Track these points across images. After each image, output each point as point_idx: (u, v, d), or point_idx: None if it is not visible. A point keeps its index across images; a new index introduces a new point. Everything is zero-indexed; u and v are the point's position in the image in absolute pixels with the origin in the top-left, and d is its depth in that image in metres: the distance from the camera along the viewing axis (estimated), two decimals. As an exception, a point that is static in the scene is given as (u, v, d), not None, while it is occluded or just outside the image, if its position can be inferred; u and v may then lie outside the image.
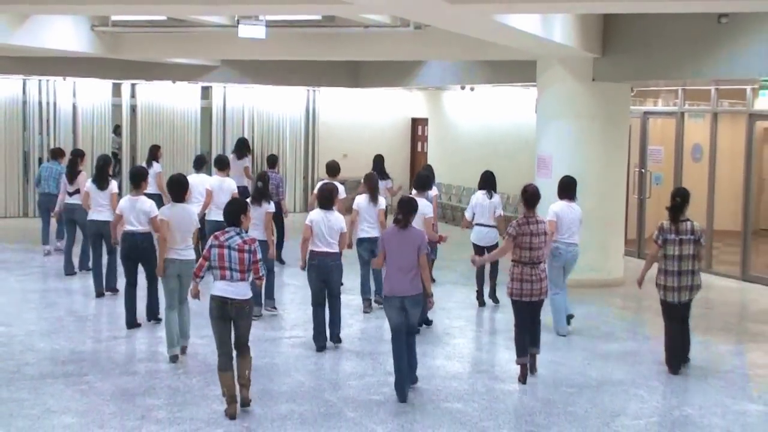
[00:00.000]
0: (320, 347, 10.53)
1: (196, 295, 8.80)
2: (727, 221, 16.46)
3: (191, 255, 10.08)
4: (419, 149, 24.52)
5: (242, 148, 17.62)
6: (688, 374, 9.98)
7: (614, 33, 14.01)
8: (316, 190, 11.64)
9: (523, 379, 9.49)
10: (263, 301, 11.97)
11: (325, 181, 12.47)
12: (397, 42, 15.95)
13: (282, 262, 15.68)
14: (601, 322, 12.29)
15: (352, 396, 8.92)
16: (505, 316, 12.48)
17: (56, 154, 16.65)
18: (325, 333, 10.65)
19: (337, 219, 10.50)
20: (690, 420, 8.54)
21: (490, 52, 15.20)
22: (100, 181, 13.01)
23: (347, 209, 12.16)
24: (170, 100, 22.06)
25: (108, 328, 11.38)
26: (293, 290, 13.75)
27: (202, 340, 10.50)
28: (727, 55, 12.60)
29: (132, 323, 11.30)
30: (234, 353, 8.34)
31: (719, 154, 16.07)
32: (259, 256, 8.31)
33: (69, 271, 14.55)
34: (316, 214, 10.49)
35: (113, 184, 13.11)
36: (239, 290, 8.25)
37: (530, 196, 9.63)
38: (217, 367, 8.32)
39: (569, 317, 11.72)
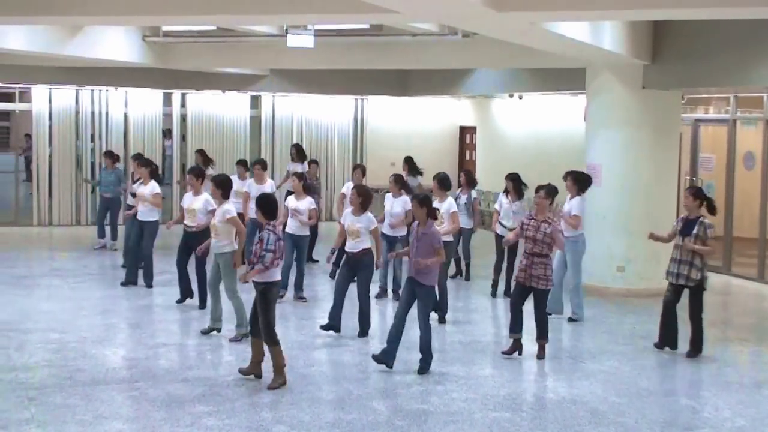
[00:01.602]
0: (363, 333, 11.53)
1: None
2: (781, 230, 16.23)
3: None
4: (467, 157, 24.48)
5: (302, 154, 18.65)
6: (741, 384, 9.85)
7: (664, 39, 13.89)
8: (348, 194, 12.64)
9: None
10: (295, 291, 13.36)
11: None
12: (445, 50, 15.96)
13: (314, 261, 16.45)
14: (652, 331, 12.15)
15: (400, 405, 8.92)
16: (554, 326, 12.41)
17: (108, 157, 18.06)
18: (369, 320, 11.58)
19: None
20: (743, 432, 8.43)
21: (538, 60, 15.15)
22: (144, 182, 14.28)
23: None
24: (220, 110, 22.24)
25: (159, 335, 11.48)
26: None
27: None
28: (780, 62, 12.45)
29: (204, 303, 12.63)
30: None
31: (772, 162, 15.87)
32: (266, 246, 9.33)
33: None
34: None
35: (153, 185, 14.17)
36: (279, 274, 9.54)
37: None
38: (276, 342, 9.38)
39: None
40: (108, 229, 17.78)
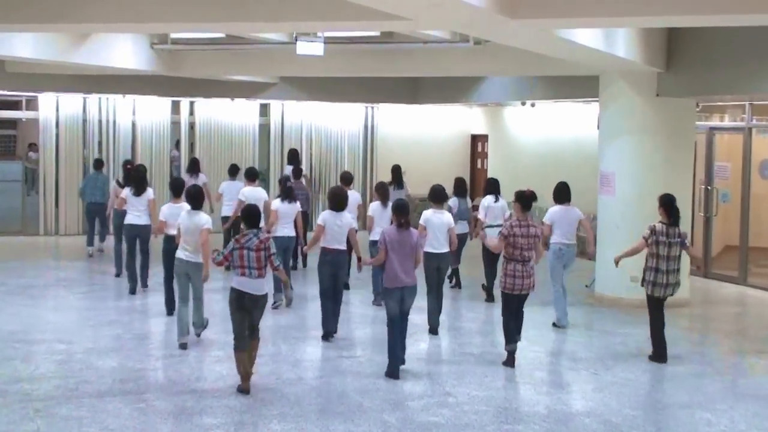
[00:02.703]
0: (327, 334, 11.85)
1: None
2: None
3: (199, 258, 11.25)
4: (479, 166, 24.47)
5: (295, 159, 19.01)
6: (757, 396, 9.81)
7: (679, 47, 13.87)
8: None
9: (511, 364, 10.70)
10: (273, 294, 13.14)
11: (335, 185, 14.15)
12: (457, 58, 15.95)
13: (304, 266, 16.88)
14: (666, 343, 12.11)
15: (411, 417, 8.90)
16: (568, 338, 12.39)
17: (99, 165, 18.58)
18: (334, 322, 11.91)
19: (347, 218, 11.94)
20: (759, 445, 8.38)
21: (551, 68, 15.14)
22: (137, 188, 14.45)
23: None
24: (228, 118, 22.27)
25: (166, 346, 11.48)
26: (349, 309, 13.76)
27: (261, 359, 10.56)
28: (796, 69, 12.41)
29: (172, 311, 12.71)
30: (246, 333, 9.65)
31: (788, 171, 15.82)
32: (272, 251, 9.70)
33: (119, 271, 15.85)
34: (328, 215, 11.82)
35: (149, 191, 14.59)
36: (255, 286, 9.60)
37: (527, 201, 10.86)
38: (234, 348, 9.60)
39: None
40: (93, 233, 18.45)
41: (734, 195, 16.82)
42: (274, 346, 11.41)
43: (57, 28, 12.73)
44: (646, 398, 9.71)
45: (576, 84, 16.92)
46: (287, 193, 13.62)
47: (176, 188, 12.78)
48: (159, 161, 21.72)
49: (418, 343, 11.78)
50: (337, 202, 11.90)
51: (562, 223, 12.80)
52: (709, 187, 17.05)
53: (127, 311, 13.53)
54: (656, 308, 11.23)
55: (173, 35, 16.27)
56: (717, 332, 13.21)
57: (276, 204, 13.58)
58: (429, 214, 12.30)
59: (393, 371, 10.18)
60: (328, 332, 11.83)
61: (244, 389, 9.48)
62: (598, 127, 15.22)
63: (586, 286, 15.34)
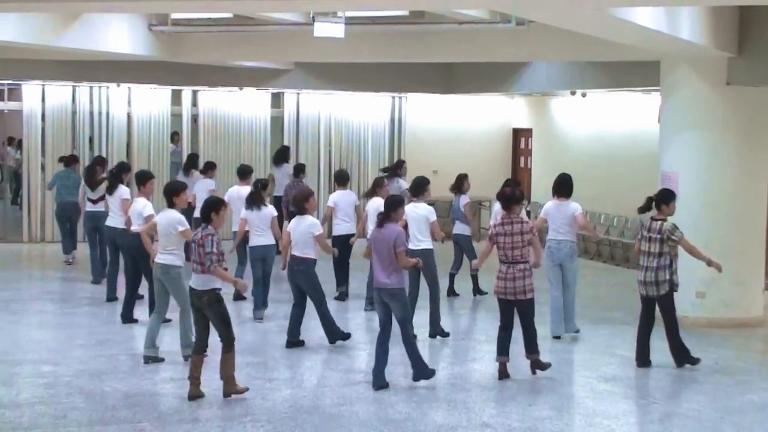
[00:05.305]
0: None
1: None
2: None
3: (169, 260, 11.56)
4: (522, 164, 24.40)
5: (283, 155, 19.97)
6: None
7: (753, 28, 13.79)
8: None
9: (502, 377, 11.25)
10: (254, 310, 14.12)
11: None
12: (497, 41, 15.93)
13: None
14: (737, 368, 12.05)
15: (444, 451, 8.90)
16: (622, 362, 12.32)
17: (70, 161, 18.54)
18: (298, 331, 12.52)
19: (308, 224, 12.44)
20: None
21: (604, 52, 15.08)
22: (110, 187, 14.90)
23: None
24: (236, 109, 22.33)
25: (165, 368, 11.52)
26: (365, 325, 13.74)
27: (271, 384, 10.59)
28: None
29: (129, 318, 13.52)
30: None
31: None
32: (208, 249, 10.08)
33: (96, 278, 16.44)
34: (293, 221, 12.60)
35: (122, 190, 14.76)
36: (200, 281, 10.18)
37: (506, 201, 11.48)
38: (192, 351, 10.36)
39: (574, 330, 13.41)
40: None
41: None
42: (290, 370, 11.43)
43: (43, 8, 12.79)
44: None
45: (633, 71, 16.85)
46: (252, 200, 13.90)
47: (141, 179, 13.32)
48: (157, 158, 21.79)
49: (452, 367, 11.78)
50: (303, 207, 12.52)
51: (555, 218, 13.30)
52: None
53: (122, 329, 13.55)
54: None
55: (174, 15, 16.34)
56: (796, 356, 13.12)
57: (243, 212, 14.02)
58: (409, 209, 12.96)
59: (379, 383, 10.76)
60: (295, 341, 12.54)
61: (195, 395, 10.11)
62: (658, 121, 15.16)
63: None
